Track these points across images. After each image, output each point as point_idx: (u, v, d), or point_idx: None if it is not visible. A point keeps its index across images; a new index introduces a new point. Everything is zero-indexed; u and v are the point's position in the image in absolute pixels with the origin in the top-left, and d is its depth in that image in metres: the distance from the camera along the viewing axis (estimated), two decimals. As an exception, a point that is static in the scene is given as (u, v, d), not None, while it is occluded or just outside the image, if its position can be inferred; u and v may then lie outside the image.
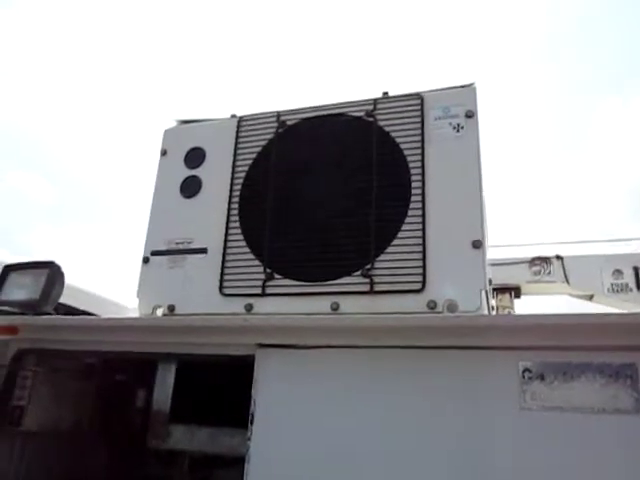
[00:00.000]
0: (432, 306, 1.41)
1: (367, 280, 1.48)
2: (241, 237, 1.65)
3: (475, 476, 1.14)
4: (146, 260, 1.75)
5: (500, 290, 4.00)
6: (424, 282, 1.43)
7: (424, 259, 1.45)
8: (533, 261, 4.07)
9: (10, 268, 1.87)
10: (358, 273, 1.49)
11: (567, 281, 4.04)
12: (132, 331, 1.56)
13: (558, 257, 4.15)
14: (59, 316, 1.70)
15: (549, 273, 4.08)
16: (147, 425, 1.68)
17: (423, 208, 1.49)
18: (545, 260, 4.11)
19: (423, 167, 1.52)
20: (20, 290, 1.81)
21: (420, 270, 1.44)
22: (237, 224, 1.67)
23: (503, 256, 4.17)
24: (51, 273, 1.78)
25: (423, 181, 1.51)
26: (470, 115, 1.55)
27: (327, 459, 1.25)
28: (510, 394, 1.16)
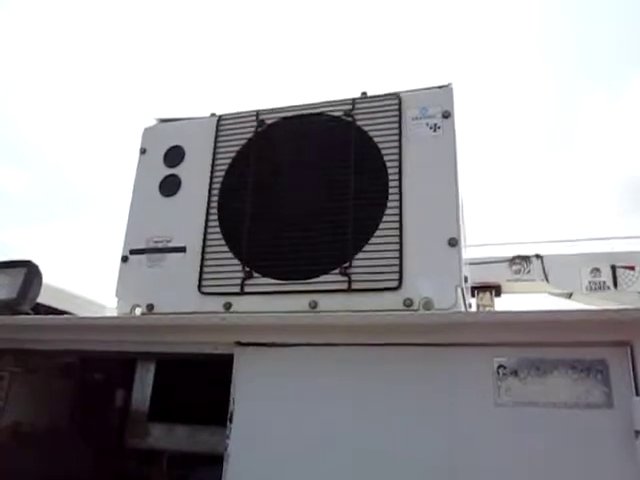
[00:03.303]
0: (408, 304, 1.43)
1: (345, 278, 1.49)
2: (220, 236, 1.65)
3: (453, 472, 1.16)
4: (125, 259, 1.75)
5: (481, 289, 4.06)
6: (400, 280, 1.45)
7: (401, 257, 1.47)
8: (513, 260, 4.14)
9: (-13, 268, 1.85)
10: (336, 271, 1.50)
11: (546, 279, 4.11)
12: (110, 330, 1.55)
13: (538, 256, 4.22)
14: (36, 316, 1.69)
15: (529, 272, 4.14)
16: (126, 424, 1.68)
17: (400, 207, 1.51)
18: (525, 259, 4.17)
19: (400, 166, 1.54)
20: (-4, 289, 1.80)
21: (397, 268, 1.46)
22: (216, 223, 1.67)
23: (484, 255, 4.22)
24: (28, 272, 1.77)
25: (400, 180, 1.53)
26: (447, 115, 1.57)
27: (306, 457, 1.26)
28: (485, 390, 1.18)
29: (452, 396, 1.21)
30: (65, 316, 1.66)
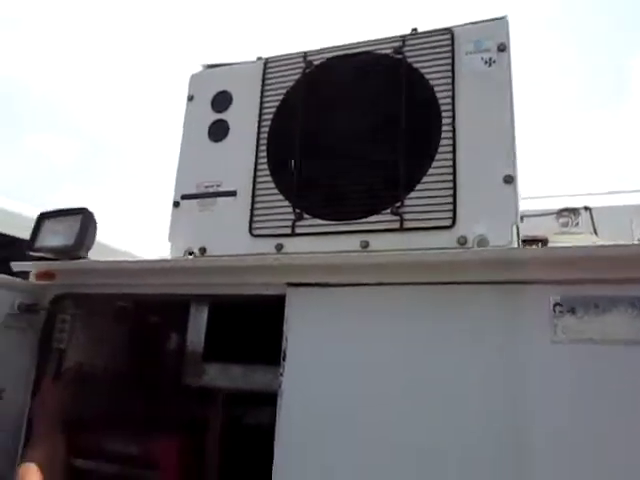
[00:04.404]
0: (462, 242, 1.40)
1: (397, 218, 1.48)
2: (269, 178, 1.65)
3: (509, 408, 1.15)
4: (176, 204, 1.78)
5: (528, 242, 3.96)
6: (454, 218, 1.43)
7: (454, 195, 1.44)
8: (561, 213, 4.02)
9: (44, 216, 1.91)
10: (387, 211, 1.49)
11: (595, 232, 3.99)
12: (164, 273, 1.59)
13: (586, 208, 4.08)
14: (93, 260, 1.74)
15: (577, 224, 4.01)
16: (182, 365, 1.73)
17: (453, 143, 1.47)
18: (573, 211, 4.04)
19: (453, 102, 1.49)
20: (55, 237, 1.85)
21: (450, 206, 1.43)
22: (265, 166, 1.67)
23: (531, 208, 4.11)
24: (84, 219, 1.82)
25: (453, 116, 1.48)
26: (502, 49, 1.51)
27: (356, 395, 1.28)
28: (542, 328, 1.16)
29: (508, 334, 1.20)
30: (120, 260, 1.70)
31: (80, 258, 1.75)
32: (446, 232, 1.43)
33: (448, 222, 1.43)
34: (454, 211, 1.43)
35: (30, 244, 1.86)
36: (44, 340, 1.77)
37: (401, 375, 1.25)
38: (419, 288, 1.29)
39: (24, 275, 1.81)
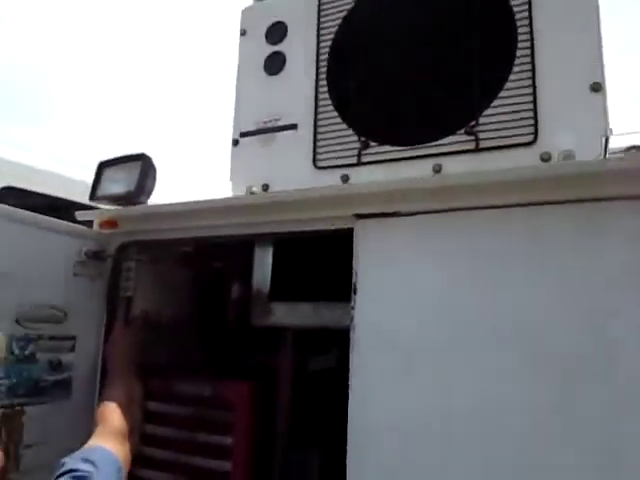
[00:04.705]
0: (546, 158, 1.29)
1: (472, 137, 1.38)
2: (332, 107, 1.58)
3: (609, 329, 1.05)
4: (235, 142, 1.73)
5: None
6: (536, 133, 1.32)
7: (535, 109, 1.33)
8: (629, 150, 3.79)
9: (104, 164, 1.90)
10: (461, 131, 1.39)
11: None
12: (227, 213, 1.55)
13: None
14: (154, 204, 1.72)
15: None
16: (248, 305, 1.70)
17: (532, 51, 1.35)
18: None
19: (530, 2, 1.37)
20: (115, 184, 1.85)
21: (531, 121, 1.32)
22: (326, 95, 1.60)
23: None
24: (144, 165, 1.80)
25: (530, 19, 1.36)
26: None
27: (432, 326, 1.21)
28: (637, 248, 1.05)
29: (598, 257, 1.09)
30: (182, 202, 1.66)
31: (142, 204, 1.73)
32: (527, 149, 1.32)
33: (529, 138, 1.32)
34: (535, 125, 1.32)
35: (92, 193, 1.86)
36: (112, 288, 1.78)
37: (480, 307, 1.16)
38: (498, 212, 1.17)
39: (89, 224, 1.82)
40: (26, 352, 1.53)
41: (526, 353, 1.09)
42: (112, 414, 1.34)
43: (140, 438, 1.53)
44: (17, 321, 1.51)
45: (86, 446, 1.14)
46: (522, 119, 1.34)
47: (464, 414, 1.11)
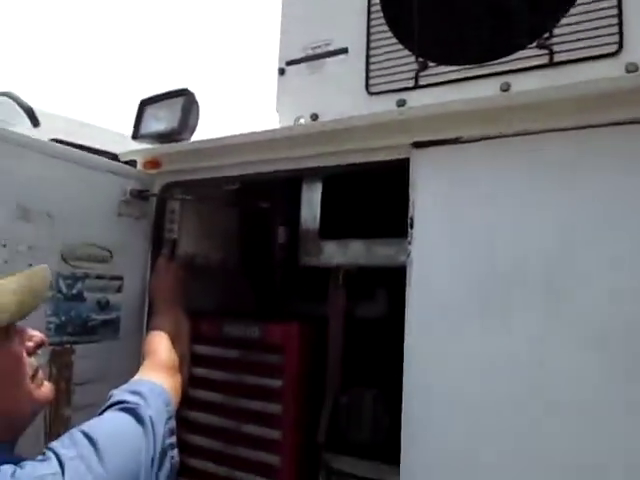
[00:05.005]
0: (632, 69, 1.14)
1: (545, 51, 1.24)
2: (386, 28, 1.45)
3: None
4: (282, 72, 1.63)
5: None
6: (621, 42, 1.17)
7: (620, 13, 1.17)
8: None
9: (145, 102, 1.84)
10: (533, 45, 1.25)
11: None
12: (274, 145, 1.45)
13: None
14: (198, 140, 1.65)
15: None
16: (297, 244, 1.63)
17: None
18: None
19: None
20: (158, 122, 1.79)
21: (615, 29, 1.17)
22: (379, 14, 1.47)
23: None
24: (186, 100, 1.73)
25: None
26: None
27: (494, 261, 1.10)
28: None
29: None
30: (226, 136, 1.57)
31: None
32: (610, 60, 1.17)
33: (613, 48, 1.17)
34: (620, 33, 1.17)
35: (134, 132, 1.81)
36: (157, 229, 1.74)
37: (547, 249, 1.04)
38: (573, 135, 1.03)
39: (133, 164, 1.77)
40: (74, 290, 1.51)
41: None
42: (159, 346, 1.30)
43: (189, 380, 1.51)
44: (63, 259, 1.48)
45: (134, 379, 1.10)
46: (604, 27, 1.18)
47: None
